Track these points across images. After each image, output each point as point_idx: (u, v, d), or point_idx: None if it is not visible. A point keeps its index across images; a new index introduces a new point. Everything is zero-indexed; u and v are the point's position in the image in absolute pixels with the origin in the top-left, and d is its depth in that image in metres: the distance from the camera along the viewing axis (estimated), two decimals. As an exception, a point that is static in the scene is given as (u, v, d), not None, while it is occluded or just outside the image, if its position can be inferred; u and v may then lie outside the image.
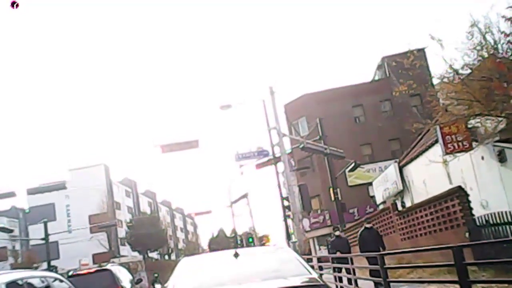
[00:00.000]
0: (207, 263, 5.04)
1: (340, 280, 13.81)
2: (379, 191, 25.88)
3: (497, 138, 12.63)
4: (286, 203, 25.05)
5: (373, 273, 11.73)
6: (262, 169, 28.01)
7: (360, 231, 13.72)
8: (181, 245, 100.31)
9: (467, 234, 11.79)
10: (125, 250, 67.36)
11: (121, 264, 19.71)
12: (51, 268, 33.87)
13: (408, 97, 30.21)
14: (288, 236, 26.18)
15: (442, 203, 13.32)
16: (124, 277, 13.49)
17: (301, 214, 27.10)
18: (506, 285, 8.19)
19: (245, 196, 48.49)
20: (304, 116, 38.88)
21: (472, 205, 12.39)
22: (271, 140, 23.64)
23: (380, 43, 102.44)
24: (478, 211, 12.53)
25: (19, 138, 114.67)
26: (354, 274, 12.75)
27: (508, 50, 11.52)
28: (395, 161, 23.31)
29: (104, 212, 63.19)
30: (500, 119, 11.76)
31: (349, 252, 14.16)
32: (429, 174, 17.82)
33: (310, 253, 35.93)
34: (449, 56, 12.10)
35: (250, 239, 44.95)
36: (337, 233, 14.85)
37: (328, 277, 13.06)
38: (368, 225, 13.74)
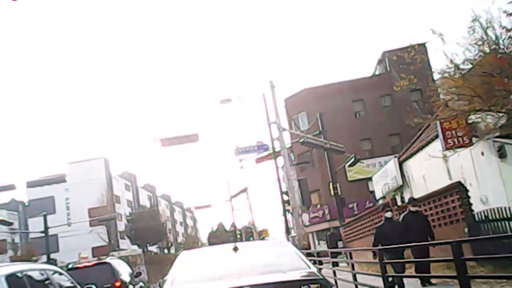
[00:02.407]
0: (206, 257, 5.04)
1: (402, 285, 9.71)
2: (379, 186, 25.87)
3: (497, 134, 12.59)
4: (285, 197, 25.13)
5: (419, 269, 10.27)
6: (261, 163, 28.06)
7: (402, 215, 11.38)
8: (180, 239, 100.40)
9: (466, 230, 11.78)
10: (125, 243, 67.46)
11: (120, 258, 19.75)
12: (50, 261, 33.84)
13: (409, 92, 30.18)
14: (288, 231, 26.23)
15: (441, 199, 13.31)
16: (124, 270, 13.51)
17: (301, 209, 27.13)
18: (505, 280, 8.21)
19: (244, 190, 48.57)
20: (304, 110, 38.88)
21: (471, 200, 12.39)
22: (271, 134, 23.65)
23: (381, 37, 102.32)
24: (477, 207, 12.53)
25: (19, 131, 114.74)
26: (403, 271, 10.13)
27: (510, 45, 11.49)
28: (395, 156, 23.26)
29: (103, 205, 63.19)
30: (500, 114, 11.73)
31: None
32: (429, 170, 17.79)
33: (309, 248, 36.04)
34: (450, 51, 12.08)
35: (250, 238, 45.04)
36: (387, 214, 11.01)
37: (327, 271, 12.95)
38: (413, 208, 11.12)
